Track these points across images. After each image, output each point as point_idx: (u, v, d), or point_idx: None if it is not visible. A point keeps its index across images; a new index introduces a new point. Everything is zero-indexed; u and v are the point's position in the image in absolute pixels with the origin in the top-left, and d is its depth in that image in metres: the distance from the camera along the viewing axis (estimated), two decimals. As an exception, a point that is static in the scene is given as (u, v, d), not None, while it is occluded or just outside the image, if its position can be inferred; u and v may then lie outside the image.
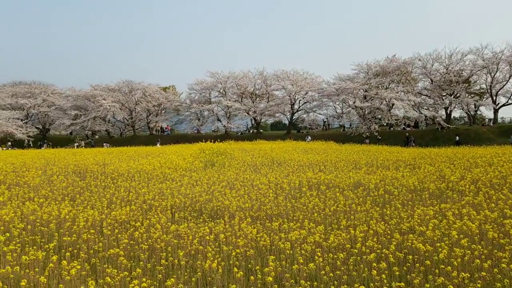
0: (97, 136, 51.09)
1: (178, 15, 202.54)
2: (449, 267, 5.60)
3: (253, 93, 48.00)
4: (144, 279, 5.51)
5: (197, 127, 48.62)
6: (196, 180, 13.29)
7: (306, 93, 45.84)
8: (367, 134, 38.60)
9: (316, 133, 43.13)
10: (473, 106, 40.61)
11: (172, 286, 5.28)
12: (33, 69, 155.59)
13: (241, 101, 46.85)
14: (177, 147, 29.70)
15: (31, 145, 44.49)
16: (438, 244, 6.35)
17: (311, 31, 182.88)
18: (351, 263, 6.16)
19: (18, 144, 45.43)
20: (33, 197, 10.80)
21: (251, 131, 48.53)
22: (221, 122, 46.15)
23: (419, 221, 7.91)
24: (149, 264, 6.34)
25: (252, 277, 5.72)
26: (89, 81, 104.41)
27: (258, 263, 6.40)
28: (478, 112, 44.12)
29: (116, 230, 7.87)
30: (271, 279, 5.48)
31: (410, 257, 6.16)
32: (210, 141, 31.10)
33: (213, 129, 49.33)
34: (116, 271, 5.73)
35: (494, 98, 39.95)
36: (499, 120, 42.76)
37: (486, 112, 43.58)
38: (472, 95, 40.52)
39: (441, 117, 38.86)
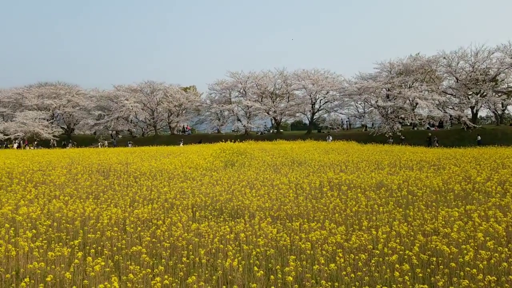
0: (120, 136, 52.10)
1: (200, 17, 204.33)
2: (475, 270, 5.46)
3: (273, 92, 47.94)
4: (166, 276, 5.58)
5: (217, 127, 48.90)
6: (216, 179, 13.37)
7: (327, 92, 45.45)
8: (390, 134, 37.98)
9: (338, 133, 42.72)
10: (501, 105, 39.42)
11: (193, 284, 5.33)
12: (58, 70, 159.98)
13: (261, 101, 46.84)
14: (197, 147, 29.97)
15: (55, 144, 45.65)
16: (463, 246, 6.20)
17: (332, 31, 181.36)
18: (373, 264, 6.08)
19: (44, 143, 46.72)
20: (58, 195, 11.08)
21: (271, 131, 48.49)
22: (241, 122, 46.26)
23: (443, 222, 7.73)
24: (171, 262, 6.41)
25: (272, 277, 5.71)
26: (112, 81, 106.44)
27: (278, 262, 6.39)
28: (506, 112, 42.81)
29: (139, 228, 8.00)
30: (291, 278, 5.46)
31: (434, 259, 6.03)
32: (230, 141, 31.22)
33: (233, 129, 49.49)
34: (138, 268, 5.82)
35: (523, 96, 38.70)
36: (528, 119, 41.45)
37: (514, 111, 42.34)
38: (499, 94, 39.29)
39: (466, 116, 37.85)
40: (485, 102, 37.64)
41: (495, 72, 38.12)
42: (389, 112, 40.04)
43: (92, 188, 12.07)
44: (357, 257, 6.22)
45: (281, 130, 48.92)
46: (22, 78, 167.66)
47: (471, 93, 38.30)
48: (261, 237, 7.21)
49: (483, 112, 43.09)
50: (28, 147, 43.46)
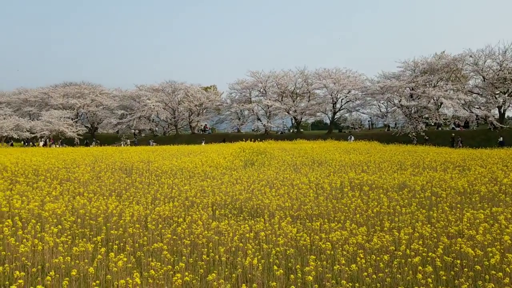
0: (143, 135, 52.96)
1: (219, 16, 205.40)
2: (501, 273, 5.30)
3: (293, 92, 47.76)
4: (186, 273, 5.63)
5: (237, 127, 49.07)
6: (236, 178, 13.41)
7: (349, 91, 44.94)
8: (414, 134, 37.26)
9: (359, 132, 42.20)
10: (530, 105, 38.15)
11: (213, 281, 5.36)
12: (82, 70, 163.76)
13: (282, 100, 46.72)
14: (217, 146, 30.15)
15: (78, 143, 46.74)
16: (489, 249, 6.02)
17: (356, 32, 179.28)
18: (395, 266, 5.97)
19: (68, 142, 47.88)
20: (82, 192, 11.34)
21: (291, 131, 48.32)
22: (261, 121, 46.26)
23: (468, 224, 7.53)
24: (191, 259, 6.46)
25: (292, 276, 5.68)
26: (133, 81, 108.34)
27: (298, 262, 6.36)
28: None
29: (160, 225, 8.10)
30: (311, 278, 5.42)
31: (458, 261, 5.88)
32: (250, 140, 31.27)
33: (253, 128, 49.58)
34: (160, 264, 5.89)
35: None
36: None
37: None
38: (528, 93, 38.07)
39: (493, 116, 36.77)
40: (513, 102, 36.50)
41: (525, 71, 36.90)
42: (412, 111, 39.29)
43: (115, 186, 12.29)
44: (378, 258, 6.12)
45: (301, 130, 48.69)
46: (47, 78, 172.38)
47: (498, 92, 37.19)
48: (281, 237, 7.18)
49: (511, 112, 41.81)
50: (54, 145, 44.66)
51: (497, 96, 37.06)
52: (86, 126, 54.49)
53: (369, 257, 6.22)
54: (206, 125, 54.27)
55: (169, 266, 5.90)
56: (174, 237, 7.42)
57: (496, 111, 38.00)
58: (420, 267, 5.72)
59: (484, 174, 13.03)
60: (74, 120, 51.93)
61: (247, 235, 7.37)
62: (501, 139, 32.54)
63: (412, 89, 39.35)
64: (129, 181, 13.19)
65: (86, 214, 8.82)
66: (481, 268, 5.61)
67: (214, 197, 10.49)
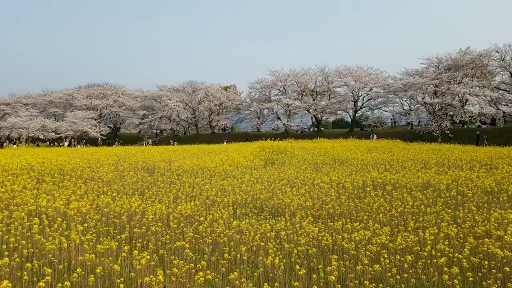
0: (165, 135, 53.66)
1: (238, 15, 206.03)
2: (533, 276, 5.11)
3: (313, 90, 47.45)
4: (208, 272, 5.65)
5: (257, 126, 49.10)
6: (256, 177, 13.40)
7: (371, 89, 44.34)
8: (438, 132, 36.44)
9: (381, 131, 41.58)
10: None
11: (235, 280, 5.36)
12: (105, 71, 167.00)
13: (301, 99, 46.49)
14: (237, 145, 30.24)
15: (101, 143, 47.76)
16: (519, 250, 5.82)
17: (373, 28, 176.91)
18: (420, 267, 5.85)
19: (92, 142, 48.98)
20: (106, 191, 11.54)
21: (311, 129, 48.02)
22: (281, 120, 46.16)
23: (496, 225, 7.31)
24: (213, 258, 6.49)
25: (314, 276, 5.64)
26: (154, 81, 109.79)
27: (320, 262, 6.30)
28: None
29: (182, 224, 8.16)
30: (333, 278, 5.36)
31: (486, 262, 5.71)
32: (270, 139, 31.21)
33: (272, 128, 49.54)
34: (182, 262, 5.94)
35: None
36: None
37: None
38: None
39: (521, 113, 35.66)
40: (542, 98, 35.27)
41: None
42: (436, 109, 38.43)
43: (137, 185, 12.47)
44: (402, 258, 6.00)
45: (322, 129, 48.34)
46: (70, 80, 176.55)
47: (526, 88, 36.03)
48: (302, 236, 7.14)
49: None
50: (78, 146, 45.74)
51: (525, 92, 35.91)
52: (109, 127, 55.60)
53: (393, 258, 6.11)
54: (226, 124, 54.57)
55: (192, 265, 5.94)
56: (196, 235, 7.47)
57: (525, 108, 36.79)
58: (446, 268, 5.58)
59: (513, 173, 12.63)
60: (97, 121, 53.07)
61: (268, 234, 7.35)
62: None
63: (436, 86, 38.48)
64: (151, 180, 13.36)
65: (110, 213, 8.97)
66: (510, 270, 5.43)
67: (235, 196, 10.51)
